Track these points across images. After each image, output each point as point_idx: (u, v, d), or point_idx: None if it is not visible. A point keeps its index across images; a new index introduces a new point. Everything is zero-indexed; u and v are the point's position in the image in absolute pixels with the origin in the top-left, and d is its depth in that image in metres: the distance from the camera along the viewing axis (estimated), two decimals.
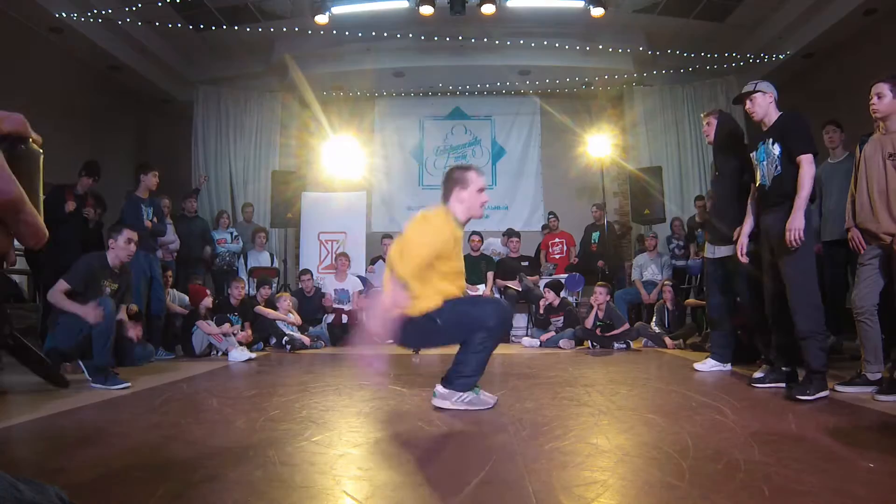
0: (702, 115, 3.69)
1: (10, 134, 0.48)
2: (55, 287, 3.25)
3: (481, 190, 2.46)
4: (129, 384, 3.03)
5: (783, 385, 2.82)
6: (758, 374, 3.04)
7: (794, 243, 2.65)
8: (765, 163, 2.86)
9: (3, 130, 0.47)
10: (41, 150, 0.52)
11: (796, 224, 2.65)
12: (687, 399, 2.55)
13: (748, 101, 2.93)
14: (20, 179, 0.45)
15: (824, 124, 4.03)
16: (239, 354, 4.36)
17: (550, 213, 7.43)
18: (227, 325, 4.65)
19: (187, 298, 5.25)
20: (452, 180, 2.46)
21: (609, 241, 7.00)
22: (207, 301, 4.81)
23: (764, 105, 2.90)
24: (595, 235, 7.06)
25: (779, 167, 2.79)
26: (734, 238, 3.19)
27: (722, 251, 3.38)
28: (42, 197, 0.51)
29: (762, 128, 2.94)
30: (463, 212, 2.46)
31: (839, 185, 3.61)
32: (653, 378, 3.39)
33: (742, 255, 3.08)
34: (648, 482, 1.43)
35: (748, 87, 2.96)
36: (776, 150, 2.81)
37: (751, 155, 2.98)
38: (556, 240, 7.09)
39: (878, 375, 2.65)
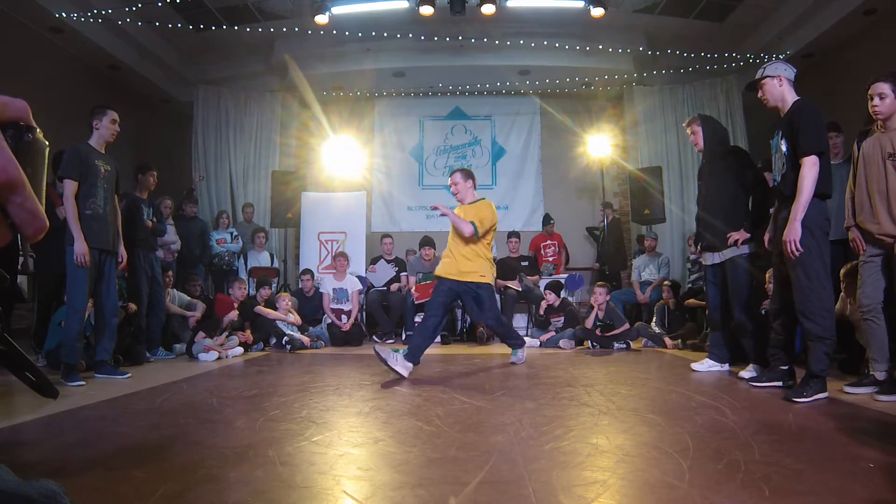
0: (683, 125, 3.47)
1: (13, 121, 0.46)
2: (66, 192, 3.29)
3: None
4: (129, 374, 3.47)
5: (780, 384, 2.81)
6: (749, 374, 3.04)
7: (791, 255, 2.58)
8: (775, 156, 2.76)
9: (4, 117, 0.45)
10: (47, 143, 0.50)
11: (792, 235, 2.56)
12: (687, 399, 2.55)
13: (759, 90, 2.82)
14: (25, 170, 0.44)
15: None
16: (207, 356, 4.35)
17: (549, 216, 7.42)
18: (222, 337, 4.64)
19: (187, 298, 5.24)
20: None
21: (611, 240, 7.01)
22: (233, 314, 4.75)
23: (775, 91, 2.75)
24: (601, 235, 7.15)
25: (785, 165, 2.69)
26: (728, 243, 3.16)
27: (715, 258, 3.32)
28: (45, 190, 0.49)
29: (780, 113, 2.79)
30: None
31: (840, 187, 3.57)
32: (653, 378, 3.38)
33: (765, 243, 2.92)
34: (648, 482, 1.43)
35: (758, 74, 2.82)
36: (783, 146, 2.69)
37: (770, 142, 2.86)
38: (548, 242, 7.13)
39: (885, 374, 2.59)
